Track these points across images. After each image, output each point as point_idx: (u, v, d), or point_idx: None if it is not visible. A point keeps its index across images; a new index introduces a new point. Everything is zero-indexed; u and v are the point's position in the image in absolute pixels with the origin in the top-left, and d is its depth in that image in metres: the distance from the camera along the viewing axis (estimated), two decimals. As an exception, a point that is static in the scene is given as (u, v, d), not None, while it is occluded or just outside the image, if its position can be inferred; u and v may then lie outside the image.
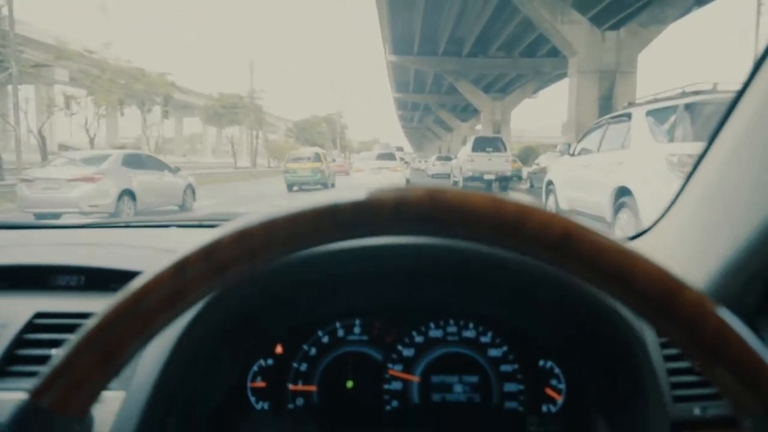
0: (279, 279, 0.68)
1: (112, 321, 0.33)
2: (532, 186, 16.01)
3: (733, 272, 0.73)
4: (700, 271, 0.78)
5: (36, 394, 0.32)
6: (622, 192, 5.03)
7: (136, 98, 26.00)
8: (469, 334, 0.83)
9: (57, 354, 0.33)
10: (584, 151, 6.53)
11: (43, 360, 0.70)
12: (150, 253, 0.91)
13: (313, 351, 0.82)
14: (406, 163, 20.76)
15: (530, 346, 0.82)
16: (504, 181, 15.48)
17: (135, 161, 9.54)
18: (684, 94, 4.79)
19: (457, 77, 27.63)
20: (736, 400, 0.32)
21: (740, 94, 0.73)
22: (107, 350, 0.33)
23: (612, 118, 6.02)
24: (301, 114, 62.85)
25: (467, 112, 43.75)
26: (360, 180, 14.17)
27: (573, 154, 6.80)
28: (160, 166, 10.28)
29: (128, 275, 0.73)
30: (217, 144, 66.27)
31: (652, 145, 4.87)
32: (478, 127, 37.36)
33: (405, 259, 0.70)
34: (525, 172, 20.76)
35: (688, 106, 4.60)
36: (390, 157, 14.91)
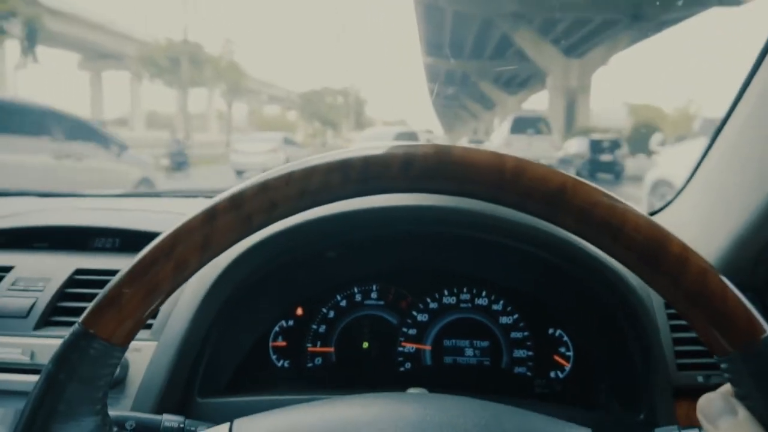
0: (300, 243, 0.74)
1: (151, 261, 0.36)
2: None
3: (742, 247, 0.73)
4: (711, 246, 0.78)
5: (86, 322, 0.36)
6: None
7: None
8: (482, 301, 0.85)
9: (105, 287, 0.37)
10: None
11: (83, 311, 0.70)
12: (179, 218, 0.79)
13: (332, 314, 0.86)
14: None
15: (540, 314, 0.84)
16: None
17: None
18: None
19: (479, 76, 30.18)
20: (713, 343, 0.34)
21: (746, 82, 0.74)
22: (147, 287, 0.36)
23: None
24: (310, 87, 54.01)
25: (513, 84, 36.02)
26: None
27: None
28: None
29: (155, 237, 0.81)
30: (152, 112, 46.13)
31: None
32: (532, 98, 33.56)
33: (420, 223, 0.74)
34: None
35: None
36: (411, 137, 11.14)
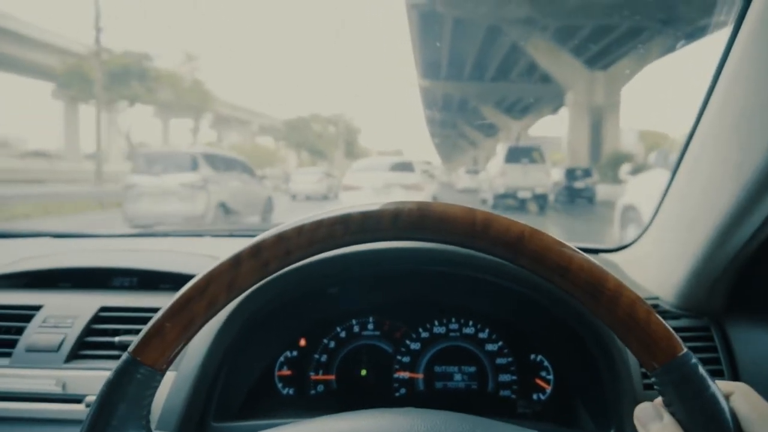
0: (304, 281, 0.81)
1: (188, 299, 0.43)
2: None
3: (698, 278, 0.81)
4: (672, 279, 0.86)
5: (135, 351, 0.43)
6: None
7: None
8: (469, 330, 0.92)
9: (150, 322, 0.44)
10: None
11: (107, 346, 0.84)
12: (192, 258, 1.06)
13: (332, 344, 0.93)
14: (431, 176, 15.84)
15: (523, 341, 0.91)
16: (542, 200, 12.56)
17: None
18: None
19: (480, 100, 29.65)
20: (644, 360, 0.41)
21: (695, 124, 0.79)
22: (185, 321, 0.43)
23: None
24: (297, 114, 51.01)
25: (517, 108, 34.08)
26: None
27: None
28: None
29: (175, 276, 0.96)
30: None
31: None
32: (539, 123, 33.18)
33: (410, 262, 0.82)
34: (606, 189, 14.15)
35: None
36: (406, 168, 9.94)
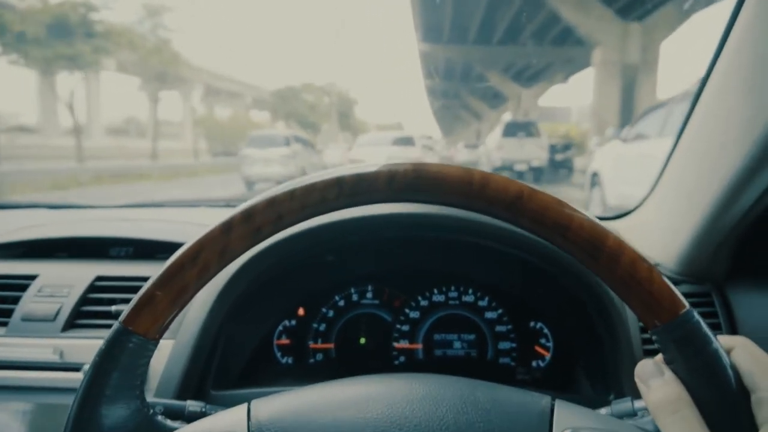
0: (301, 249, 0.79)
1: (179, 266, 0.42)
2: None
3: (701, 244, 0.80)
4: (674, 244, 0.85)
5: (126, 321, 0.43)
6: None
7: None
8: (469, 298, 0.92)
9: (141, 290, 0.43)
10: (640, 137, 5.32)
11: (104, 315, 0.84)
12: (188, 228, 1.05)
13: (331, 313, 0.92)
14: (431, 149, 18.39)
15: (523, 309, 0.91)
16: (537, 172, 13.46)
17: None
18: None
19: (486, 66, 27.97)
20: (645, 318, 0.41)
21: (698, 92, 0.79)
22: (177, 289, 0.43)
23: (682, 96, 4.68)
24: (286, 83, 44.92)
25: (497, 99, 41.67)
26: None
27: (625, 140, 5.63)
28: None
29: (170, 246, 0.91)
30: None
31: None
32: (507, 114, 36.24)
33: (408, 228, 0.79)
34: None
35: None
36: (407, 142, 11.74)
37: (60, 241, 1.01)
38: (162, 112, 31.96)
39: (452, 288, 0.93)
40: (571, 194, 8.58)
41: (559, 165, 15.15)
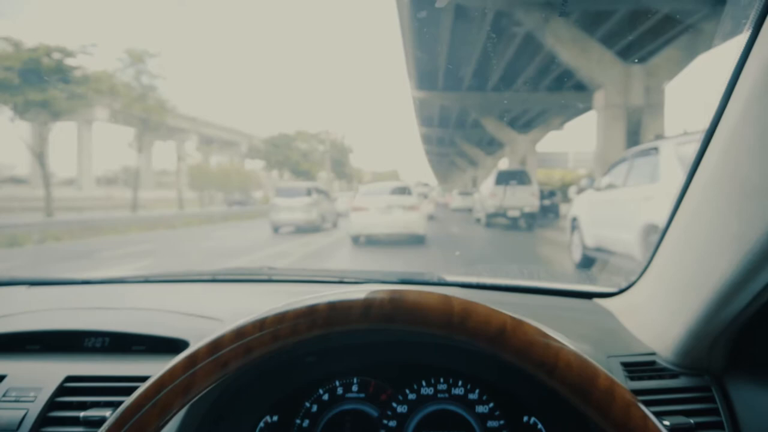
0: (280, 354, 0.69)
1: (136, 408, 0.39)
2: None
3: (698, 335, 0.77)
4: (670, 333, 0.82)
5: None
6: (652, 229, 4.82)
7: None
8: (458, 391, 0.87)
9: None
10: (610, 186, 6.22)
11: (73, 421, 0.79)
12: (167, 318, 1.00)
13: (315, 408, 0.87)
14: (425, 197, 19.02)
15: (515, 403, 0.86)
16: (530, 218, 13.94)
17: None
18: None
19: (481, 112, 27.77)
20: None
21: (687, 181, 0.78)
22: (137, 428, 0.39)
23: (639, 151, 5.77)
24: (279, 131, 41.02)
25: (492, 146, 43.20)
26: (362, 223, 10.28)
27: (598, 189, 6.51)
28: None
29: (146, 339, 0.89)
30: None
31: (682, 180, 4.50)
32: (504, 159, 36.66)
33: (393, 333, 0.74)
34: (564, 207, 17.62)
35: None
36: (404, 191, 11.09)
37: (32, 334, 0.96)
38: (157, 162, 31.05)
39: (441, 380, 0.88)
40: (556, 237, 9.00)
41: (547, 210, 17.03)
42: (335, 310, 0.41)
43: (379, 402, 0.87)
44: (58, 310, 1.10)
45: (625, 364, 0.85)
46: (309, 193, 14.49)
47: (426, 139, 52.73)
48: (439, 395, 0.88)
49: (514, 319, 0.40)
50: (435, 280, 1.28)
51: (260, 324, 0.41)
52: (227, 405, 0.80)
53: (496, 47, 19.67)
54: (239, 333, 0.41)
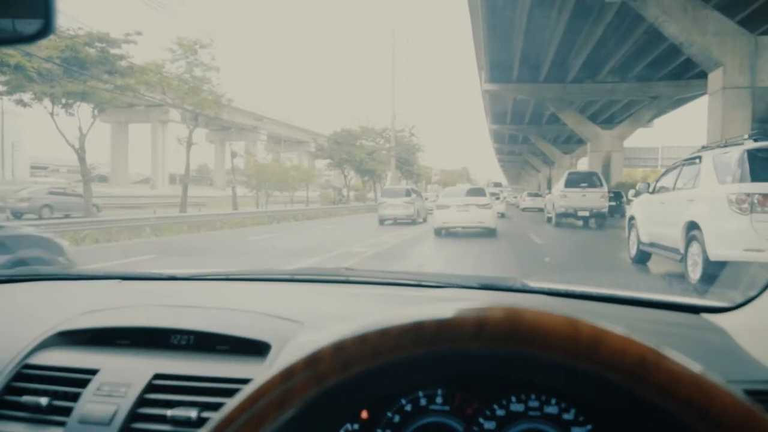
0: None
1: (232, 419, 0.39)
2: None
3: None
4: None
5: None
6: (692, 226, 5.70)
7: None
8: (551, 410, 0.79)
9: None
10: (662, 189, 7.12)
11: (160, 419, 0.81)
12: (252, 319, 1.00)
13: (397, 418, 0.83)
14: (496, 197, 19.69)
15: (617, 426, 0.74)
16: (600, 217, 14.79)
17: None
18: (749, 139, 5.53)
19: (560, 106, 25.38)
20: None
21: None
22: None
23: (686, 159, 6.72)
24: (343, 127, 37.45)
25: (570, 143, 40.52)
26: (445, 218, 12.47)
27: (653, 192, 7.37)
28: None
29: (230, 339, 0.92)
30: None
31: (716, 185, 5.56)
32: (584, 159, 34.14)
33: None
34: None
35: (748, 151, 5.28)
36: (479, 192, 13.34)
37: (122, 330, 1.02)
38: (229, 161, 30.66)
39: (532, 396, 0.81)
40: (621, 234, 9.39)
41: (614, 211, 17.51)
42: (444, 328, 0.37)
43: (464, 416, 0.80)
44: (146, 306, 1.15)
45: (750, 392, 0.67)
46: (408, 193, 18.44)
47: (496, 137, 50.25)
48: (530, 413, 0.79)
49: (653, 350, 0.34)
50: (519, 286, 1.18)
51: (361, 339, 0.38)
52: (305, 413, 0.68)
53: (582, 28, 17.50)
54: (338, 347, 0.38)
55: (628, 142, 28.21)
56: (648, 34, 16.23)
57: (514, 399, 0.80)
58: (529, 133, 39.05)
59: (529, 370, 0.70)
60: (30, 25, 0.76)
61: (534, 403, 0.79)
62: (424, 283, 1.24)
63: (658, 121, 34.53)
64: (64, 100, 14.50)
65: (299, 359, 0.39)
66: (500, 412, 0.80)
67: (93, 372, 0.88)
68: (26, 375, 0.91)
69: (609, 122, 30.42)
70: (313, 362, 0.38)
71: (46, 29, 0.75)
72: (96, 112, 15.61)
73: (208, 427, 0.39)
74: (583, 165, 36.47)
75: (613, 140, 25.33)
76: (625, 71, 22.38)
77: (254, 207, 27.83)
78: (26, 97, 14.73)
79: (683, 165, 6.66)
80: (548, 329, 0.36)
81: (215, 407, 0.73)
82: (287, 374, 0.39)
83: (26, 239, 3.52)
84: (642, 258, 7.44)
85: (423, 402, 0.82)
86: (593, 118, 28.84)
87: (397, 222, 17.57)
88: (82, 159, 15.73)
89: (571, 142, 39.82)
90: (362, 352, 0.38)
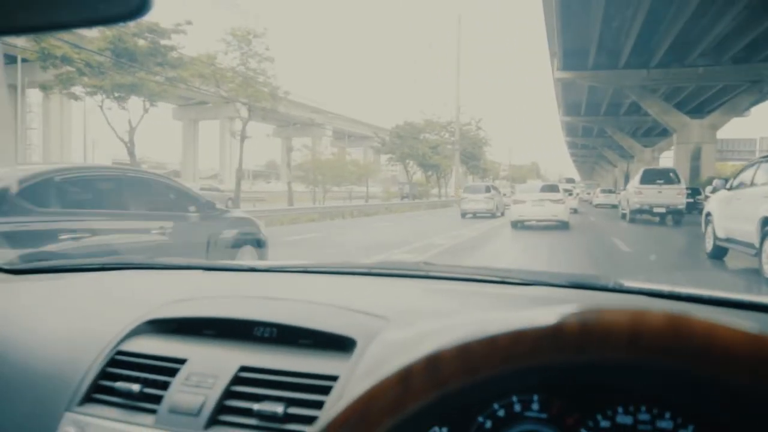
0: None
1: (342, 422, 0.36)
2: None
3: None
4: None
5: None
6: (767, 222, 5.90)
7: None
8: (665, 425, 0.70)
9: None
10: (740, 185, 7.24)
11: (246, 412, 0.81)
12: (333, 313, 0.98)
13: (489, 424, 0.78)
14: (569, 193, 20.43)
15: None
16: (677, 214, 14.78)
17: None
18: None
19: (641, 94, 23.31)
20: None
21: None
22: None
23: (764, 156, 7.24)
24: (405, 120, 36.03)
25: (651, 135, 37.63)
26: (521, 212, 13.69)
27: (730, 188, 7.54)
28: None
29: (313, 333, 0.91)
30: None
31: None
32: (667, 153, 31.51)
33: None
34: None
35: None
36: (552, 188, 14.52)
37: (209, 320, 1.03)
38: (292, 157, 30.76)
39: (642, 408, 0.72)
40: (697, 230, 9.57)
41: (692, 207, 17.23)
42: (590, 334, 0.32)
43: (563, 426, 0.74)
44: (230, 297, 1.15)
45: None
46: (488, 190, 20.60)
47: (569, 130, 47.46)
48: (639, 427, 0.71)
49: None
50: (612, 285, 1.12)
51: (490, 342, 0.34)
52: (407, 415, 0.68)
53: (671, 4, 15.64)
54: (463, 350, 0.35)
55: (720, 133, 25.42)
56: (749, 8, 14.25)
57: (621, 410, 0.70)
58: (605, 125, 36.45)
59: (661, 384, 0.61)
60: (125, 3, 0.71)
61: (644, 417, 0.69)
62: (508, 280, 1.17)
63: (755, 109, 31.05)
64: (116, 93, 14.42)
65: (418, 359, 0.35)
66: (605, 424, 0.71)
67: (182, 361, 0.89)
68: (119, 361, 0.92)
69: (698, 111, 27.63)
70: (433, 365, 0.35)
71: (144, 6, 0.68)
72: (147, 105, 15.45)
73: (317, 427, 0.37)
74: (666, 160, 33.84)
75: (703, 130, 22.85)
76: (720, 53, 20.03)
77: (311, 203, 27.58)
78: (77, 90, 14.82)
79: (761, 161, 7.01)
80: (727, 341, 0.29)
81: (301, 403, 0.73)
82: (403, 376, 0.35)
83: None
84: (718, 253, 7.65)
85: (517, 408, 0.73)
86: (680, 107, 26.22)
87: (477, 216, 19.08)
88: (131, 153, 15.72)
89: (652, 135, 36.89)
90: (490, 356, 0.34)
